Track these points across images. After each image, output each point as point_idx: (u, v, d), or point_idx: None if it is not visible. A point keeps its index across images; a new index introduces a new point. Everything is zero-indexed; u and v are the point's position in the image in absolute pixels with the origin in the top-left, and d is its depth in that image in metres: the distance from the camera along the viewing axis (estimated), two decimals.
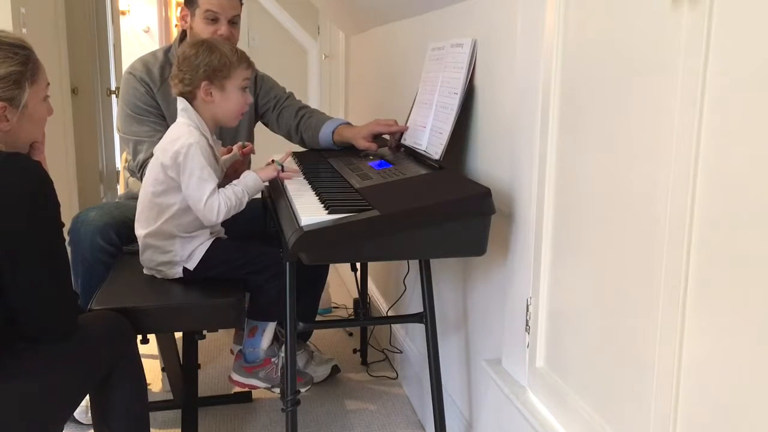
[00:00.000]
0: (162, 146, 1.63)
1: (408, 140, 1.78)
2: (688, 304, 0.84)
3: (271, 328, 1.78)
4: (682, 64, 0.82)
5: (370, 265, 2.35)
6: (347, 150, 1.98)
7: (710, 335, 0.80)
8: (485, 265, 1.54)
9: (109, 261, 1.87)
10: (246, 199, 1.61)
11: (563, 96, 1.16)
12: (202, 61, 1.60)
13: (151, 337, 1.75)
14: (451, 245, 1.33)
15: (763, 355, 0.72)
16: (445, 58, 1.65)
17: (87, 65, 4.10)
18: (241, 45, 1.91)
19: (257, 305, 1.74)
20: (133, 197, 1.98)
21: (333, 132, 2.02)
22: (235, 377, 1.80)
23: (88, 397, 1.43)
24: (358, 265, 2.17)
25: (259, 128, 2.25)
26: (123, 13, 6.46)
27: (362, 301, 2.09)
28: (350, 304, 2.65)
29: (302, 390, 1.84)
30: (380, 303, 2.54)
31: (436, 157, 1.56)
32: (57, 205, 1.23)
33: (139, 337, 1.55)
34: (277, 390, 1.84)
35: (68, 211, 2.89)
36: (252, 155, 1.93)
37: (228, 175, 1.78)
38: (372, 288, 2.64)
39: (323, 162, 1.87)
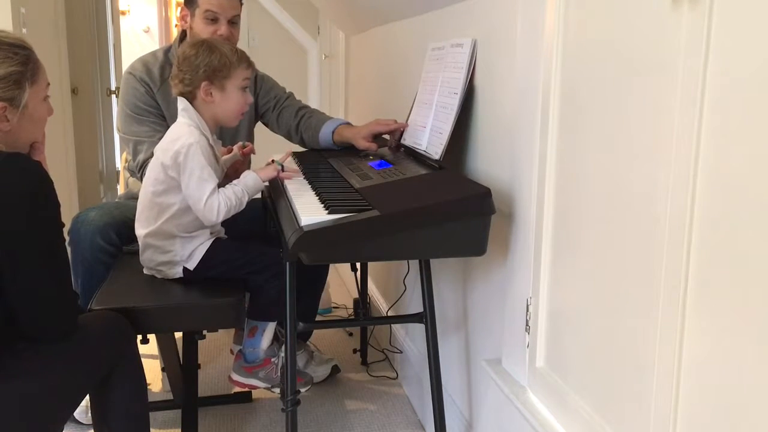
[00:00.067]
0: (162, 146, 1.63)
1: (408, 140, 1.78)
2: (688, 304, 0.84)
3: (271, 328, 1.78)
4: (682, 64, 0.82)
5: (370, 265, 2.35)
6: (347, 150, 1.98)
7: (710, 335, 0.80)
8: (485, 265, 1.54)
9: (109, 261, 1.87)
10: (246, 199, 1.61)
11: (563, 96, 1.16)
12: (202, 61, 1.60)
13: (151, 337, 1.75)
14: (451, 245, 1.33)
15: (763, 355, 0.72)
16: (445, 58, 1.65)
17: (87, 65, 4.10)
18: (241, 45, 1.91)
19: (257, 305, 1.75)
20: (133, 197, 1.98)
21: (333, 132, 2.02)
22: (235, 377, 1.80)
23: (88, 397, 1.43)
24: (358, 265, 2.17)
25: (259, 128, 2.25)
26: (123, 13, 6.46)
27: (362, 301, 2.09)
28: (350, 304, 2.65)
29: (302, 390, 1.84)
30: (380, 303, 2.54)
31: (436, 157, 1.56)
32: (57, 205, 1.23)
33: (139, 337, 1.55)
34: (277, 390, 1.84)
35: (68, 211, 2.89)
36: (252, 155, 1.93)
37: (228, 175, 1.78)
38: (372, 288, 2.64)
39: (323, 162, 1.87)
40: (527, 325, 1.29)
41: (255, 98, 2.14)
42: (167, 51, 2.08)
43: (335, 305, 2.89)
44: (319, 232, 1.26)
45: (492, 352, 1.51)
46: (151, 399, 1.65)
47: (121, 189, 2.46)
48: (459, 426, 1.71)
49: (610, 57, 1.00)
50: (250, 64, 1.68)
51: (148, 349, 2.06)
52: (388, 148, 1.89)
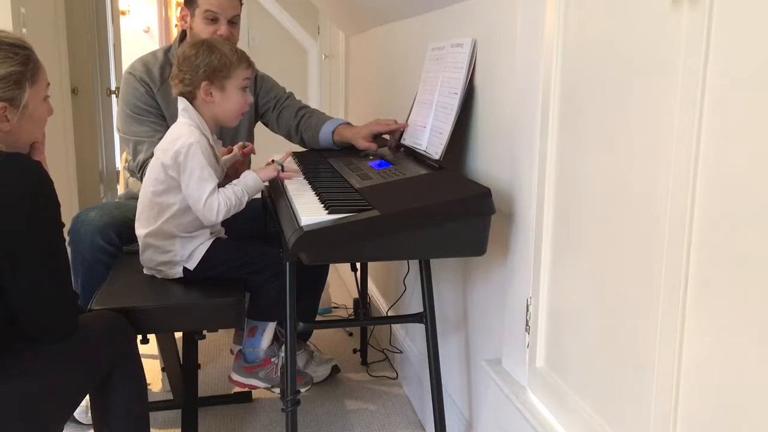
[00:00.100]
0: (162, 146, 1.64)
1: (408, 140, 1.78)
2: (688, 304, 0.84)
3: (271, 328, 1.78)
4: (682, 64, 0.82)
5: (370, 265, 2.35)
6: (347, 150, 1.98)
7: (710, 335, 0.80)
8: (485, 265, 1.54)
9: (109, 261, 1.87)
10: (246, 199, 1.61)
11: (563, 96, 1.16)
12: (202, 61, 1.60)
13: (151, 337, 1.75)
14: (451, 245, 1.33)
15: (763, 355, 0.72)
16: (445, 58, 1.65)
17: (87, 65, 4.10)
18: (241, 45, 1.91)
19: (257, 305, 1.75)
20: (133, 197, 1.98)
21: (333, 132, 2.02)
22: (235, 377, 1.80)
23: (88, 397, 1.43)
24: (358, 265, 2.17)
25: (259, 128, 2.25)
26: (123, 13, 6.46)
27: (362, 301, 2.09)
28: (350, 304, 2.65)
29: (302, 390, 1.84)
30: (380, 303, 2.54)
31: (436, 157, 1.56)
32: (57, 205, 1.23)
33: (139, 337, 1.55)
34: (277, 390, 1.84)
35: (68, 211, 2.89)
36: (252, 155, 1.93)
37: (228, 175, 1.78)
38: (372, 288, 2.64)
39: (323, 162, 1.87)
40: (527, 325, 1.29)
41: (255, 98, 2.14)
42: (167, 51, 2.08)
43: (335, 305, 2.89)
44: (319, 232, 1.26)
45: (492, 352, 1.51)
46: (151, 399, 1.65)
47: (121, 189, 2.46)
48: (459, 426, 1.71)
49: (610, 57, 1.00)
50: (250, 64, 1.68)
51: (148, 349, 2.06)
52: (388, 148, 1.89)
